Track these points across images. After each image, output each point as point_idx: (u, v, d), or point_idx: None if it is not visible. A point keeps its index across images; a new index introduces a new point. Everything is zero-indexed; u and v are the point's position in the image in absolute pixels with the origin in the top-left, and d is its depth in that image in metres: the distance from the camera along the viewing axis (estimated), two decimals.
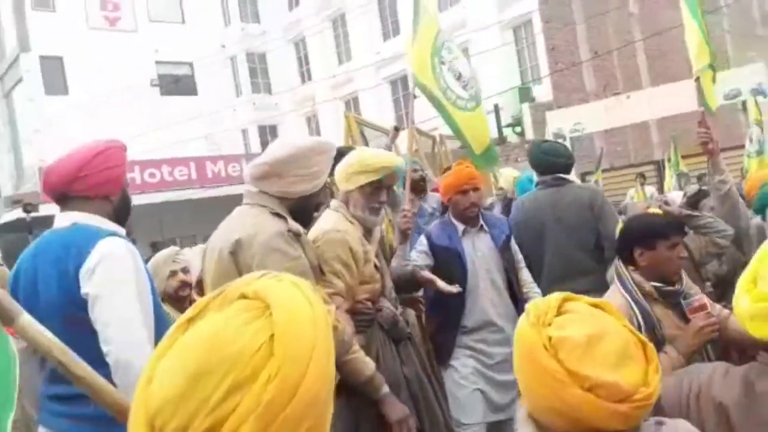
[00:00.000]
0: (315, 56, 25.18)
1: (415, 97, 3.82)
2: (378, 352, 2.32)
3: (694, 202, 4.11)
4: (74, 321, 1.73)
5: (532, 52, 18.30)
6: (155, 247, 11.83)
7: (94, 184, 1.89)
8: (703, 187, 4.40)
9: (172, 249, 3.12)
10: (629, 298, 2.16)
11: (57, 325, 1.41)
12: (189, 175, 16.50)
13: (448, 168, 3.70)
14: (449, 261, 3.18)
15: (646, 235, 2.24)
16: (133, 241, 1.97)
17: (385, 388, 2.14)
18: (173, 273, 3.00)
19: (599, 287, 3.09)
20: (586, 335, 0.97)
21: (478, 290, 3.15)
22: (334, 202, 2.49)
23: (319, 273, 2.21)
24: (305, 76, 26.09)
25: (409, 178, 3.53)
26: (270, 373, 0.62)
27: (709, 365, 1.27)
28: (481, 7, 18.52)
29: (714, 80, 3.48)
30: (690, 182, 9.23)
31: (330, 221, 2.37)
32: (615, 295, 2.23)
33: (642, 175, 11.32)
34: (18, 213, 14.02)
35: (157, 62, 21.61)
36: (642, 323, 2.08)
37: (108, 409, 1.14)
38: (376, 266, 2.44)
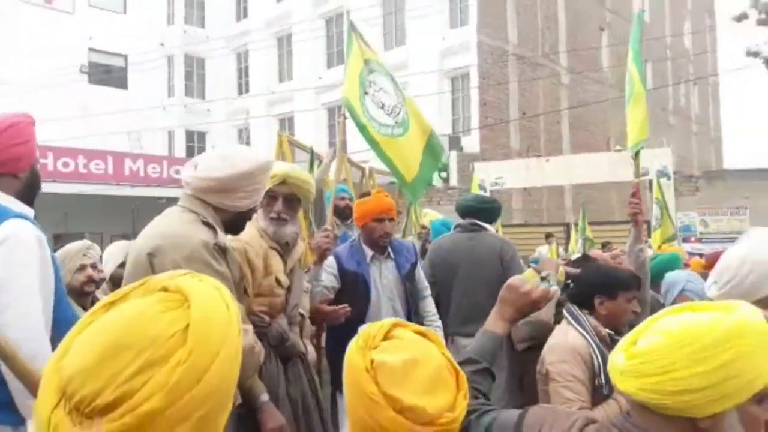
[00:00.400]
0: (256, 70, 24.98)
1: (345, 117, 3.79)
2: (261, 366, 2.29)
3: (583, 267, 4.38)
4: None
5: (466, 103, 19.05)
6: (58, 240, 11.19)
7: (3, 161, 1.81)
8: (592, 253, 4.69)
9: (84, 242, 3.02)
10: (589, 339, 2.26)
11: None
12: (105, 170, 15.75)
13: (366, 194, 3.66)
14: (355, 286, 3.21)
15: (610, 285, 2.36)
16: None
17: (265, 396, 2.14)
18: (82, 267, 2.91)
19: None
20: (402, 361, 1.04)
21: (379, 317, 3.11)
22: (255, 215, 2.49)
23: (242, 290, 2.19)
24: (243, 88, 25.81)
25: (332, 203, 3.57)
26: (180, 358, 0.68)
27: (577, 414, 1.35)
28: (425, 53, 19.17)
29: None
30: (593, 247, 9.86)
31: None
32: (571, 334, 2.31)
33: (551, 235, 11.99)
34: None
35: (90, 49, 20.75)
36: (601, 364, 2.17)
37: (20, 378, 1.14)
38: (278, 281, 2.41)
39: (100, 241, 10.62)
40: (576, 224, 11.65)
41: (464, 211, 4.05)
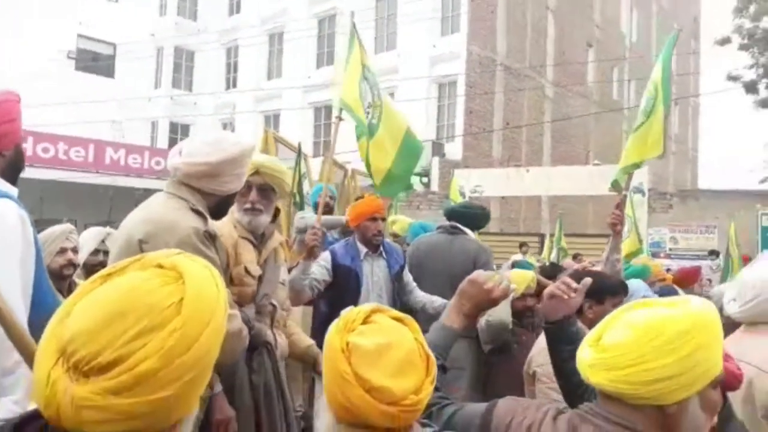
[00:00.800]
0: (245, 66, 24.93)
1: (340, 119, 3.88)
2: None
3: (551, 275, 4.53)
4: None
5: (452, 110, 19.20)
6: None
7: None
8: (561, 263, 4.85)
9: (67, 226, 3.08)
10: None
11: None
12: (86, 158, 15.58)
13: (361, 197, 4.03)
14: (347, 280, 3.42)
15: (599, 291, 2.45)
16: None
17: (218, 387, 2.15)
18: (63, 250, 2.96)
19: (468, 333, 3.42)
20: (376, 344, 1.11)
21: None
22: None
23: (229, 277, 2.24)
24: (231, 82, 25.74)
25: (323, 202, 3.71)
26: (175, 326, 0.77)
27: (548, 405, 1.38)
28: (415, 59, 19.33)
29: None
30: (566, 257, 10.08)
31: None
32: None
33: (525, 244, 12.18)
34: None
35: (79, 36, 20.55)
36: None
37: (15, 344, 1.21)
38: (248, 271, 2.43)
39: (75, 227, 10.53)
40: (552, 234, 11.86)
41: (449, 214, 4.20)
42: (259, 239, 2.52)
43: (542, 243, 13.42)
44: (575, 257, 9.18)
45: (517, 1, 20.38)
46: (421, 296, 3.71)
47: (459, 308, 1.60)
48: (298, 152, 5.08)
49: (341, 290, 3.40)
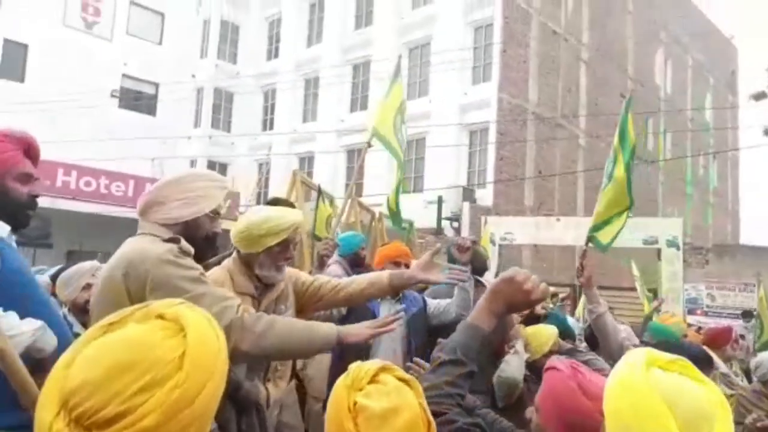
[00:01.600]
0: (281, 109, 25.64)
1: (369, 146, 4.11)
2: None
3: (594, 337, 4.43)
4: None
5: (483, 157, 19.28)
6: (72, 256, 11.39)
7: None
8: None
9: (95, 263, 3.16)
10: None
11: None
12: (125, 192, 16.03)
13: (387, 243, 4.27)
14: (365, 318, 3.40)
15: None
16: (48, 245, 1.87)
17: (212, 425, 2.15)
18: (88, 286, 3.03)
19: (481, 388, 3.35)
20: (382, 408, 1.11)
21: (378, 353, 3.39)
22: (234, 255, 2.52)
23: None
24: (267, 124, 26.45)
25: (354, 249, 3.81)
26: (178, 381, 0.78)
27: None
28: (447, 106, 19.58)
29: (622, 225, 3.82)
30: None
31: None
32: None
33: (556, 295, 11.88)
34: None
35: (124, 75, 21.42)
36: None
37: (18, 387, 1.22)
38: None
39: None
40: None
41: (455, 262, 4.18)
42: (260, 290, 2.49)
43: (575, 294, 13.08)
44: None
45: (549, 52, 20.58)
46: (450, 309, 3.65)
47: (490, 308, 1.48)
48: (318, 193, 5.00)
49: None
